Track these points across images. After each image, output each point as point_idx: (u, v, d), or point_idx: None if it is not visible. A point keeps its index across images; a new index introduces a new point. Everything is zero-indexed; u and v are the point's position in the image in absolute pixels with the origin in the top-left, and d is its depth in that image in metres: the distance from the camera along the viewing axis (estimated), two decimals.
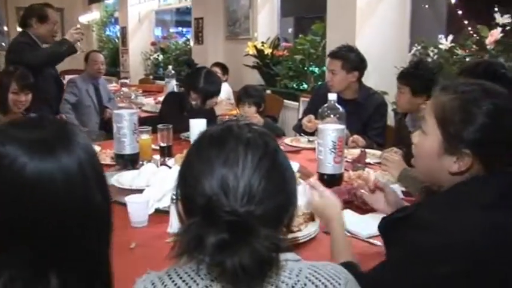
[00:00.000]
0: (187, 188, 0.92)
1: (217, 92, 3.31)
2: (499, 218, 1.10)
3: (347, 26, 4.21)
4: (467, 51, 3.52)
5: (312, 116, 2.97)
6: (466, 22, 3.57)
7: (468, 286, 1.07)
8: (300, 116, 3.67)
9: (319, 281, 0.91)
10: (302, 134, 3.24)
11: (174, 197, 0.99)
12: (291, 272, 0.90)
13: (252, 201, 0.85)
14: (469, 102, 1.17)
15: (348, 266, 1.11)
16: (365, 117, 3.19)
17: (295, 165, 2.40)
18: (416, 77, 2.84)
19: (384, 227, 1.28)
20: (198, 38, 7.30)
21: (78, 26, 3.94)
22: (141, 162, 2.50)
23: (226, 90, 5.34)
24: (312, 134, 3.00)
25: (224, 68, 5.63)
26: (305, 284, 0.89)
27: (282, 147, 2.70)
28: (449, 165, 1.20)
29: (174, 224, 1.66)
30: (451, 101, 1.20)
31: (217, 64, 5.62)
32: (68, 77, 7.92)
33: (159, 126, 2.62)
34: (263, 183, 0.87)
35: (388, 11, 4.23)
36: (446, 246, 1.07)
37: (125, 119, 2.43)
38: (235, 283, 0.83)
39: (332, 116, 2.15)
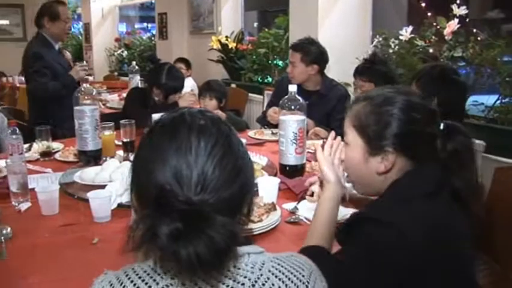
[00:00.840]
0: (140, 179, 0.90)
1: (179, 88, 3.31)
2: (440, 206, 1.19)
3: (309, 19, 4.25)
4: (427, 42, 3.61)
5: (276, 108, 3.01)
6: (428, 14, 3.64)
7: (421, 278, 1.12)
8: (264, 109, 3.70)
9: (283, 274, 0.89)
10: (266, 127, 3.28)
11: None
12: (253, 265, 0.88)
13: (206, 189, 0.83)
14: (380, 103, 1.28)
15: (313, 251, 1.14)
16: (328, 109, 3.23)
17: (263, 160, 2.45)
18: (378, 72, 2.90)
19: (339, 235, 1.30)
20: (163, 34, 7.27)
21: (85, 62, 3.88)
22: (104, 158, 2.49)
23: (190, 85, 5.33)
24: (276, 126, 3.03)
25: (188, 63, 5.62)
26: (268, 278, 0.87)
27: (245, 140, 2.72)
28: (376, 166, 1.29)
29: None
30: (364, 107, 1.30)
31: (180, 60, 5.61)
32: None
33: (122, 121, 2.61)
34: (217, 171, 0.85)
35: (349, 4, 4.29)
36: (400, 238, 1.10)
37: (86, 115, 2.42)
38: (192, 275, 0.81)
39: (293, 107, 2.17)
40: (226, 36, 5.79)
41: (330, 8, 4.22)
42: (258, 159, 2.46)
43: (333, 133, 1.56)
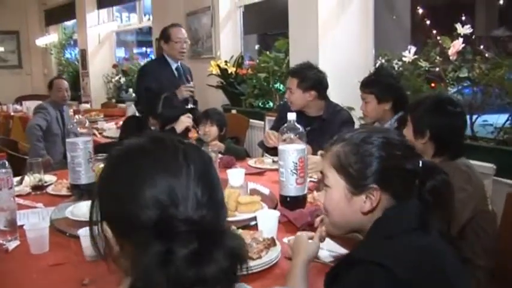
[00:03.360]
0: (121, 205, 0.86)
1: (176, 118, 3.31)
2: (425, 241, 1.21)
3: (309, 42, 4.27)
4: (430, 62, 3.60)
5: (275, 132, 3.00)
6: (433, 32, 3.65)
7: None
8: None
9: None
10: (266, 155, 3.26)
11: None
12: None
13: (201, 207, 0.84)
14: (359, 142, 1.31)
15: None
16: (331, 135, 3.20)
17: (265, 190, 2.43)
18: (379, 83, 2.90)
19: (326, 282, 1.29)
20: None
21: (192, 84, 4.15)
22: None
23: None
24: (276, 151, 3.01)
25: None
26: None
27: (245, 169, 2.70)
28: (360, 206, 1.30)
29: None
30: (343, 147, 1.33)
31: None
32: (25, 103, 7.88)
33: None
34: (205, 193, 0.86)
35: (350, 25, 4.30)
36: (389, 278, 1.10)
37: (79, 147, 2.41)
38: None
39: (292, 136, 2.16)
40: (226, 61, 5.82)
41: (330, 29, 4.23)
42: (258, 189, 2.44)
43: None
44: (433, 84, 3.65)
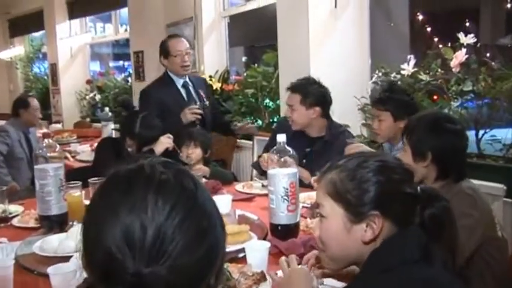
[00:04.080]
0: (88, 239, 0.88)
1: (155, 138, 3.29)
2: (427, 274, 1.22)
3: (300, 54, 4.30)
4: (431, 75, 3.63)
5: (273, 156, 3.01)
6: (434, 40, 3.69)
7: None
8: (261, 153, 3.68)
9: None
10: (255, 178, 3.26)
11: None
12: None
13: (162, 256, 0.82)
14: (355, 167, 1.34)
15: None
16: (333, 157, 3.20)
17: (254, 218, 2.43)
18: (394, 100, 2.93)
19: None
20: (139, 74, 7.32)
21: (197, 106, 3.91)
22: (70, 223, 2.45)
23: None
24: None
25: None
26: None
27: (232, 194, 2.69)
28: (361, 235, 1.31)
29: None
30: (338, 174, 1.35)
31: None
32: None
33: (91, 180, 2.58)
34: (177, 235, 0.83)
35: (344, 36, 4.34)
36: None
37: (48, 174, 2.40)
38: None
39: (288, 159, 2.17)
40: (210, 76, 5.84)
41: (322, 41, 4.27)
42: (246, 217, 2.44)
43: None
44: (435, 97, 3.69)
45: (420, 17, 4.02)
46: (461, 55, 3.38)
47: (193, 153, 3.39)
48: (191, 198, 0.89)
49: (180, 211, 0.85)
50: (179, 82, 4.05)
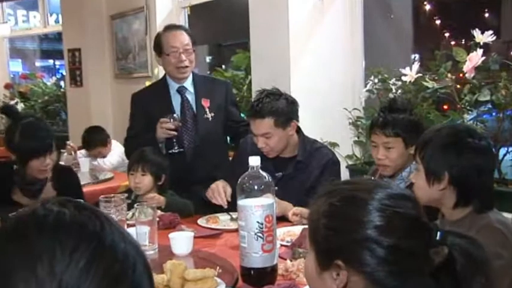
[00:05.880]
0: None
1: (40, 149, 3.17)
2: None
3: (278, 56, 4.33)
4: (438, 81, 3.68)
5: (228, 187, 3.13)
6: (446, 36, 3.71)
7: None
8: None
9: None
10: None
11: None
12: None
13: None
14: (345, 203, 1.36)
15: None
16: (310, 181, 3.25)
17: (221, 260, 2.45)
18: (403, 120, 2.90)
19: None
20: (75, 78, 7.32)
21: (168, 119, 3.68)
22: None
23: (118, 152, 5.35)
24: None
25: (104, 132, 5.66)
26: None
27: (194, 231, 2.72)
28: (330, 285, 1.36)
29: None
30: (322, 205, 1.39)
31: (95, 131, 5.64)
32: None
33: None
34: (83, 282, 0.85)
35: (332, 33, 4.40)
36: None
37: None
38: None
39: (256, 187, 2.22)
40: None
41: (305, 39, 4.31)
42: (212, 260, 2.47)
43: None
44: (445, 107, 3.74)
45: (427, 8, 4.04)
46: (476, 57, 3.40)
47: (140, 182, 3.41)
48: (95, 239, 0.90)
49: (83, 254, 0.87)
50: (174, 87, 3.96)
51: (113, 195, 2.87)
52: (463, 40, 3.59)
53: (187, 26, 6.05)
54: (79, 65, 7.29)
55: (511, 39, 4.39)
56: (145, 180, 3.41)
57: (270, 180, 2.27)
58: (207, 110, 3.87)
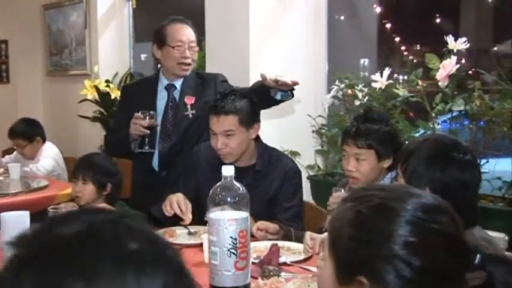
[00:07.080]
0: None
1: None
2: None
3: (236, 58, 4.36)
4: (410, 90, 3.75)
5: (187, 203, 3.07)
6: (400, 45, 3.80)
7: None
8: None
9: None
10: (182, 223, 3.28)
11: None
12: None
13: None
14: (376, 210, 1.36)
15: None
16: (270, 193, 3.29)
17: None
18: (377, 132, 2.94)
19: None
20: (1, 73, 7.21)
21: (142, 115, 3.65)
22: None
23: (53, 155, 5.27)
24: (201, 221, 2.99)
25: (34, 127, 5.52)
26: None
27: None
28: None
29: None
30: (348, 212, 1.38)
31: (23, 121, 5.47)
32: None
33: None
34: None
35: (294, 36, 4.45)
36: None
37: None
38: None
39: (229, 199, 2.22)
40: (108, 80, 5.84)
41: (266, 39, 4.35)
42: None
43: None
44: (411, 114, 3.81)
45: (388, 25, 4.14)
46: (451, 64, 3.47)
47: (80, 191, 3.37)
48: (179, 272, 0.88)
49: None
50: (163, 83, 3.97)
51: (63, 204, 2.83)
52: (417, 46, 3.65)
53: (131, 21, 6.08)
54: (5, 59, 7.21)
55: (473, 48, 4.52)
56: (87, 190, 3.36)
57: (245, 191, 2.28)
58: (189, 107, 3.86)
